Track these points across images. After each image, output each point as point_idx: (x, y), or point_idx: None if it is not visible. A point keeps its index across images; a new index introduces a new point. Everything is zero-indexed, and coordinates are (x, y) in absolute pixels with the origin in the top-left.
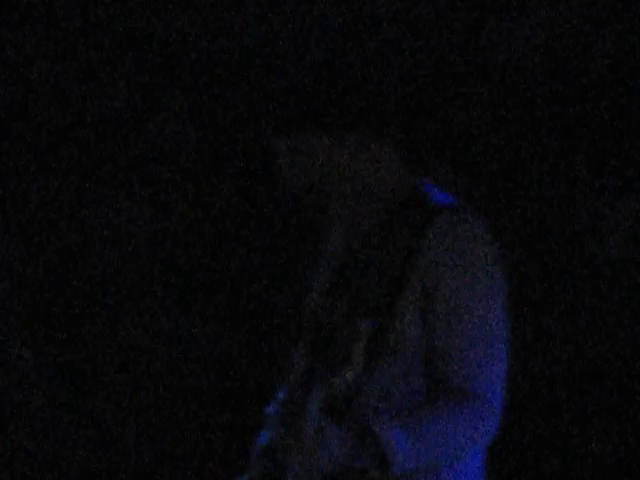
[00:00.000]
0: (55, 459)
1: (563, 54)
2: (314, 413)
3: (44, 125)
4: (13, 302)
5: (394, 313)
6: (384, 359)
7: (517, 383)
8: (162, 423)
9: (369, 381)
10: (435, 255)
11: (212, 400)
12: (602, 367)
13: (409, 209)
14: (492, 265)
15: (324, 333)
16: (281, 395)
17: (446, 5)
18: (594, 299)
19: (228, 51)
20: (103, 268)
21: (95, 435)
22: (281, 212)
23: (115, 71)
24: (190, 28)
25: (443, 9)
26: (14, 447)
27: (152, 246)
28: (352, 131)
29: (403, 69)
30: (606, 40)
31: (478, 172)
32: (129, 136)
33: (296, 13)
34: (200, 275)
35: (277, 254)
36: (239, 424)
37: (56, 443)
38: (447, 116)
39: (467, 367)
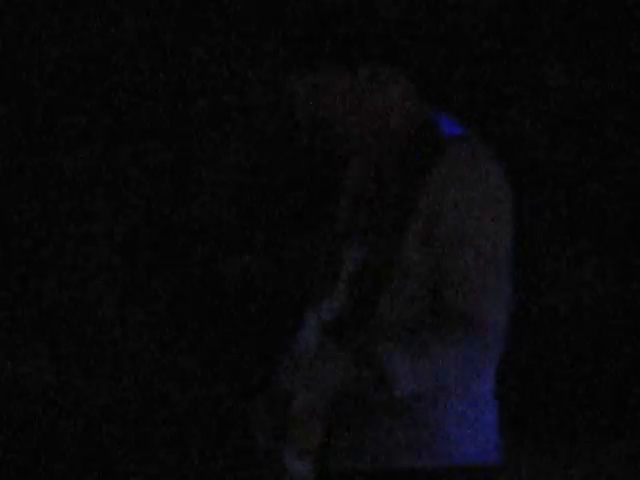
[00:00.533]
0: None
1: None
2: (311, 334)
3: None
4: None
5: (398, 239)
6: (386, 286)
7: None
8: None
9: (369, 308)
10: (443, 183)
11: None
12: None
13: (421, 139)
14: (499, 194)
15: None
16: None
17: None
18: None
19: None
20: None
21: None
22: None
23: None
24: None
25: None
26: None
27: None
28: (365, 64)
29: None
30: None
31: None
32: None
33: None
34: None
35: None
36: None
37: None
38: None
39: (471, 292)
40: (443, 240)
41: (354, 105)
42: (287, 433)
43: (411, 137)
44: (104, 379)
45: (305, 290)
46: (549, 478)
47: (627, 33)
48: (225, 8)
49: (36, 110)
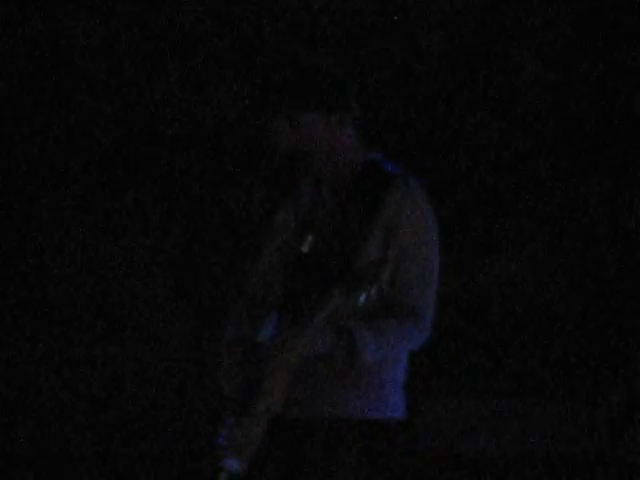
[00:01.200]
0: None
1: None
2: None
3: None
4: None
5: (363, 248)
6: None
7: None
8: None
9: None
10: (395, 209)
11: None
12: None
13: (369, 173)
14: (432, 218)
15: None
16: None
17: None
18: None
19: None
20: None
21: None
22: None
23: None
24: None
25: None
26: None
27: None
28: (336, 112)
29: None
30: None
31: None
32: None
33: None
34: None
35: None
36: None
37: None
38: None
39: (414, 290)
40: (398, 249)
41: (325, 142)
42: (260, 385)
43: (359, 169)
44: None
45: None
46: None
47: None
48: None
49: None
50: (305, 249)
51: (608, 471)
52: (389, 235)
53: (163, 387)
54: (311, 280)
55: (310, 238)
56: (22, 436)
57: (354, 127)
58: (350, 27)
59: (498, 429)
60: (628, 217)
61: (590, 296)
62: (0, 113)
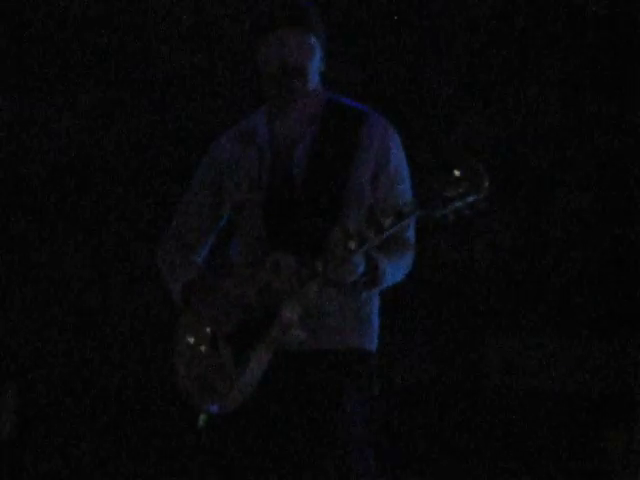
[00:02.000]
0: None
1: None
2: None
3: None
4: None
5: (355, 176)
6: (351, 210)
7: None
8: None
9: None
10: (381, 137)
11: None
12: None
13: (337, 108)
14: (404, 152)
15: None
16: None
17: None
18: None
19: None
20: None
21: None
22: None
23: None
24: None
25: None
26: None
27: None
28: (325, 46)
29: None
30: None
31: None
32: None
33: None
34: None
35: None
36: None
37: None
38: None
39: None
40: (390, 177)
41: (313, 65)
42: (277, 314)
43: (327, 103)
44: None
45: None
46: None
47: None
48: None
49: None
50: (281, 182)
51: None
52: (379, 170)
53: None
54: (300, 213)
55: (286, 171)
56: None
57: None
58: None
59: (560, 365)
60: None
61: None
62: None
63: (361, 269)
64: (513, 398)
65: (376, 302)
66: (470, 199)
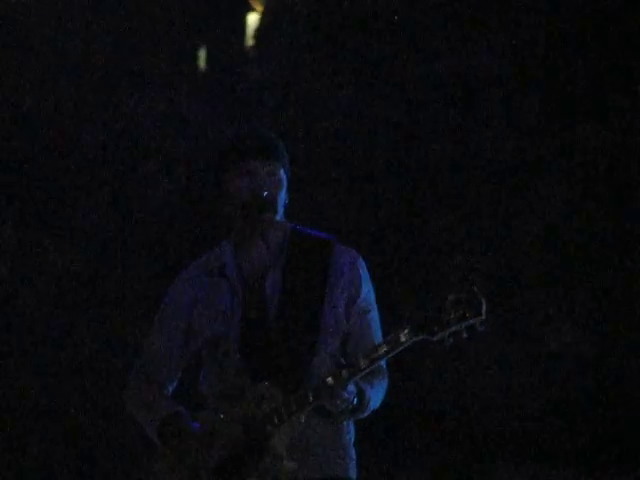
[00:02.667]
0: None
1: None
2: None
3: None
4: None
5: (329, 305)
6: (329, 339)
7: None
8: None
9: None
10: (350, 270)
11: None
12: None
13: (302, 237)
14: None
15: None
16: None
17: None
18: None
19: None
20: None
21: None
22: None
23: None
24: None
25: None
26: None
27: None
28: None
29: None
30: None
31: None
32: None
33: None
34: None
35: None
36: None
37: None
38: None
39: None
40: (362, 305)
41: (282, 197)
42: (267, 445)
43: (292, 233)
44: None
45: None
46: None
47: None
48: None
49: None
50: (255, 315)
51: None
52: (352, 297)
53: None
54: (281, 341)
55: (260, 304)
56: None
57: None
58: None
59: None
60: None
61: None
62: None
63: (353, 397)
64: None
65: (353, 431)
66: (468, 322)
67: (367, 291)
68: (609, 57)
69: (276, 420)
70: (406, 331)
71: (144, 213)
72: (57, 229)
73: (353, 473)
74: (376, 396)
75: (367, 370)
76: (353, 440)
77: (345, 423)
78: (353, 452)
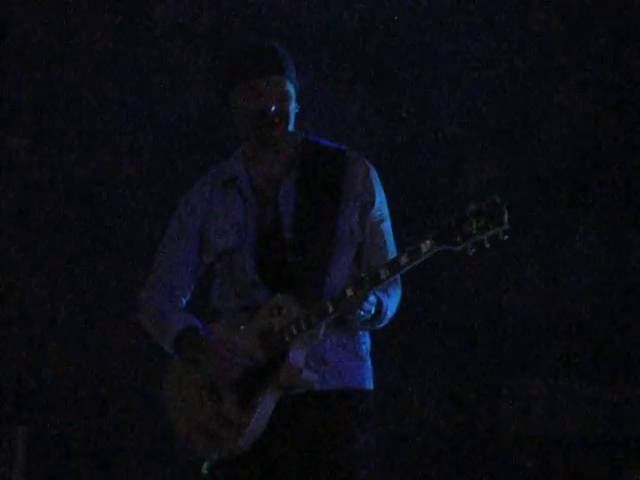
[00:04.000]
0: None
1: None
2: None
3: None
4: None
5: (343, 215)
6: (344, 249)
7: None
8: None
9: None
10: (364, 178)
11: None
12: None
13: (315, 149)
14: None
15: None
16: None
17: None
18: None
19: None
20: None
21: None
22: None
23: None
24: None
25: None
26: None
27: None
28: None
29: None
30: None
31: None
32: None
33: None
34: None
35: None
36: None
37: None
38: None
39: (391, 255)
40: (375, 216)
41: (291, 109)
42: (283, 358)
43: (304, 145)
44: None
45: None
46: None
47: None
48: None
49: None
50: (269, 225)
51: None
52: (366, 206)
53: None
54: (294, 255)
55: (274, 214)
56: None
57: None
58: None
59: (579, 412)
60: None
61: None
62: None
63: (373, 307)
64: (530, 442)
65: (369, 341)
66: (490, 232)
67: (380, 201)
68: None
69: (295, 331)
70: (428, 241)
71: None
72: None
73: (369, 383)
74: (392, 305)
75: (388, 280)
76: (370, 350)
77: (361, 333)
78: (369, 362)
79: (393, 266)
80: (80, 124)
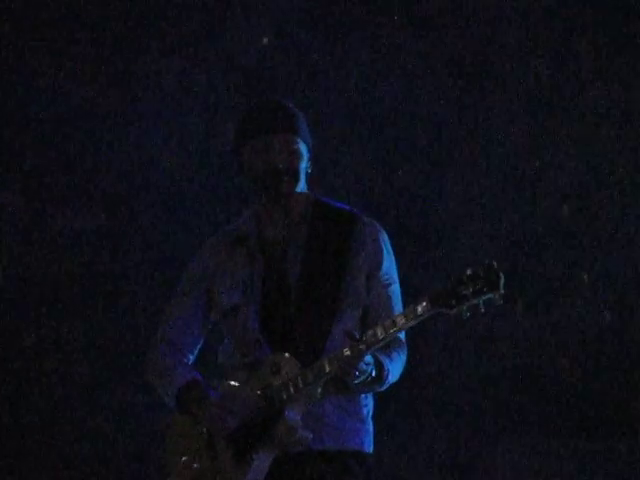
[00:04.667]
0: None
1: None
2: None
3: None
4: None
5: (350, 277)
6: (349, 311)
7: None
8: None
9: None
10: (374, 240)
11: None
12: None
13: (326, 210)
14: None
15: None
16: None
17: None
18: None
19: None
20: None
21: None
22: None
23: None
24: None
25: None
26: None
27: None
28: (310, 149)
29: None
30: None
31: None
32: None
33: None
34: None
35: None
36: None
37: None
38: None
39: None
40: (383, 279)
41: (300, 167)
42: (280, 416)
43: (315, 205)
44: None
45: None
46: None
47: None
48: None
49: None
50: (275, 285)
51: None
52: (373, 270)
53: None
54: (298, 314)
55: (280, 273)
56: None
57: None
58: None
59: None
60: None
61: None
62: None
63: (371, 369)
64: None
65: (372, 404)
66: (485, 297)
67: (389, 264)
68: None
69: (292, 389)
70: (424, 303)
71: None
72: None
73: (369, 447)
74: (395, 369)
75: (384, 341)
76: (371, 413)
77: (363, 396)
78: (370, 425)
79: (389, 327)
80: (77, 179)
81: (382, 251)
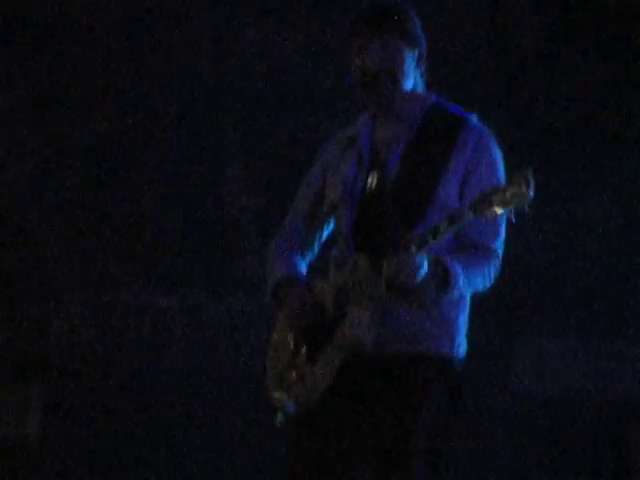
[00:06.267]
0: None
1: None
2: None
3: None
4: None
5: (444, 182)
6: (436, 216)
7: None
8: None
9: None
10: (475, 145)
11: None
12: None
13: (438, 113)
14: (502, 160)
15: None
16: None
17: None
18: None
19: None
20: None
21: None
22: None
23: None
24: None
25: None
26: None
27: None
28: (416, 48)
29: None
30: None
31: None
32: None
33: None
34: None
35: None
36: None
37: None
38: None
39: (491, 230)
40: (475, 184)
41: (407, 71)
42: (344, 317)
43: (430, 108)
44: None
45: None
46: None
47: None
48: None
49: None
50: (374, 184)
51: None
52: (467, 176)
53: None
54: (387, 214)
55: (381, 173)
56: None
57: (423, 68)
58: None
59: (591, 369)
60: None
61: None
62: None
63: (423, 272)
64: (543, 401)
65: (463, 306)
66: (516, 204)
67: (486, 172)
68: None
69: (357, 289)
70: (467, 206)
71: None
72: None
73: (453, 350)
74: (471, 275)
75: (434, 244)
76: (460, 315)
77: (438, 297)
78: (452, 328)
79: (434, 232)
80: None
81: (480, 159)
